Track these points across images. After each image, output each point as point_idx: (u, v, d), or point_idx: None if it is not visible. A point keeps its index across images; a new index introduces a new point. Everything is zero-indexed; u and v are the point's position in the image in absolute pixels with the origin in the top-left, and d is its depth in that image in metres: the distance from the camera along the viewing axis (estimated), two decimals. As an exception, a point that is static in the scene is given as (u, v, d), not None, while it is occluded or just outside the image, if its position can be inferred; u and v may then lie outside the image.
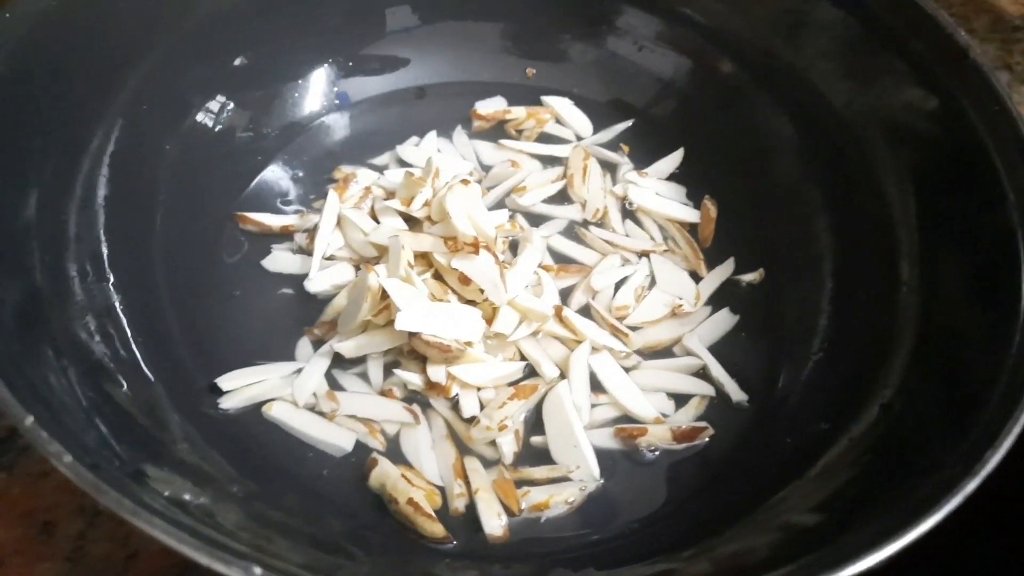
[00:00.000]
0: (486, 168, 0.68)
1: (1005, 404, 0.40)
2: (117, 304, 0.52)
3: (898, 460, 0.45)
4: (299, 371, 0.55)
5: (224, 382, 0.53)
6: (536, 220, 0.66)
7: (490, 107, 0.71)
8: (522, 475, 0.52)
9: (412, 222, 0.60)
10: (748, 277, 0.63)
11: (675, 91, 0.71)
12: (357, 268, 0.60)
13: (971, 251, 0.50)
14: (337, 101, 0.70)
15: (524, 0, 0.71)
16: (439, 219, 0.58)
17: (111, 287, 0.52)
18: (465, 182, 0.58)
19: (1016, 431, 0.39)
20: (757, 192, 0.66)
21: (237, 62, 0.64)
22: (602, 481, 0.52)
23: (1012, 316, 0.44)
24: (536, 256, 0.58)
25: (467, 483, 0.51)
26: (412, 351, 0.55)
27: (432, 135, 0.69)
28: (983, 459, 0.38)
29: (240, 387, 0.54)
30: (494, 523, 0.50)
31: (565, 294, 0.61)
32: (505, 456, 0.53)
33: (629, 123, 0.72)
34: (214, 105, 0.64)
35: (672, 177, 0.69)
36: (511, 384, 0.55)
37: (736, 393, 0.57)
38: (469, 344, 0.54)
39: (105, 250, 0.53)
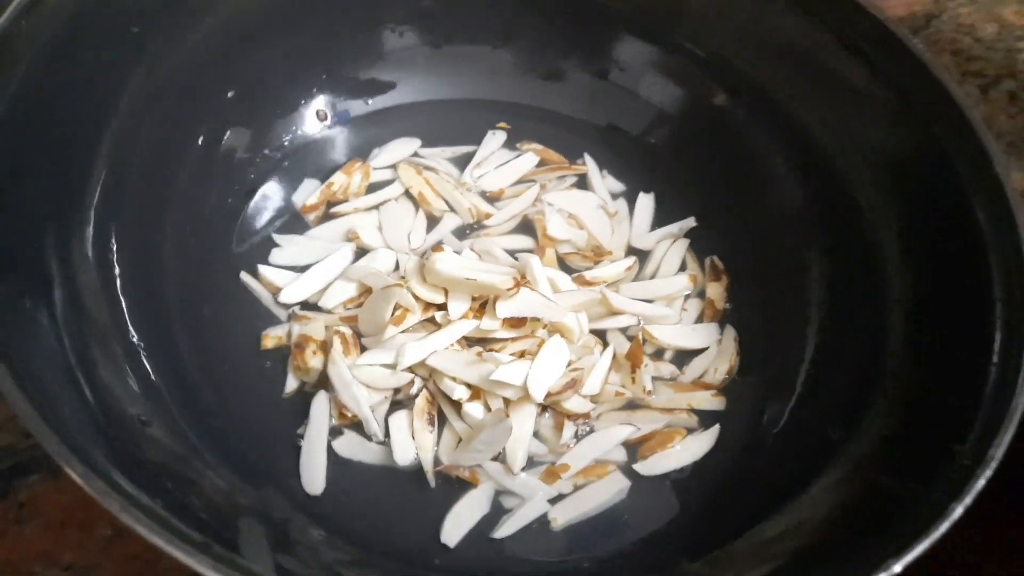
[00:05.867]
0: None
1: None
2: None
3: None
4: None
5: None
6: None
7: (311, 192, 0.64)
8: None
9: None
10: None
11: (670, 120, 0.68)
12: (398, 403, 0.54)
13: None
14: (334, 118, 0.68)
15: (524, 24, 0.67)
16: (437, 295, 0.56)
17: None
18: (437, 248, 0.56)
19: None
20: (752, 224, 0.65)
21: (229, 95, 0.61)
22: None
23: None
24: (539, 261, 0.58)
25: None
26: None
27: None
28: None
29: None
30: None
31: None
32: (677, 373, 0.58)
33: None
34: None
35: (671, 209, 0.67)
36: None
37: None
38: (571, 363, 0.55)
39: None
